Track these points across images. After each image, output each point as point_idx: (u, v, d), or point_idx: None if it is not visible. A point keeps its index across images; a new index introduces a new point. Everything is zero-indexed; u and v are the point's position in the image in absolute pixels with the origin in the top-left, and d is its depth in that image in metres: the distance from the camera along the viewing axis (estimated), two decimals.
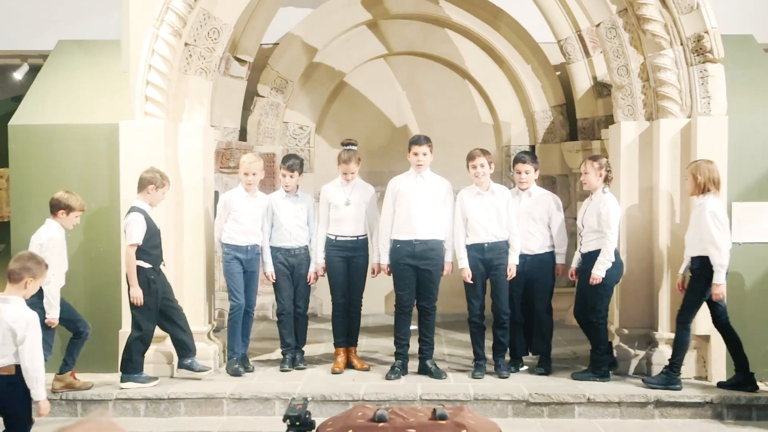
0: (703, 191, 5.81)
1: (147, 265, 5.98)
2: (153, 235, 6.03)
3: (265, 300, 8.18)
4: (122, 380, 5.93)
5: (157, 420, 5.73)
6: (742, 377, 5.89)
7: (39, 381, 4.30)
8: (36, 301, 5.14)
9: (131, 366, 5.93)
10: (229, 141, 8.11)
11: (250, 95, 8.61)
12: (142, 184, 6.00)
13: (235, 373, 6.33)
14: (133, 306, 5.93)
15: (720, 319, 5.90)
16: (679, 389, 5.88)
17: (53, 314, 5.62)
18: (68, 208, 5.81)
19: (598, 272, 6.03)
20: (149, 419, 5.67)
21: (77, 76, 6.88)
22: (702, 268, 5.81)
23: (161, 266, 6.11)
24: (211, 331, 6.73)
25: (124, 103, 6.43)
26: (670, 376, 5.96)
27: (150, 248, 6.00)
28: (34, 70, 8.60)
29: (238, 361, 6.47)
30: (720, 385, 6.03)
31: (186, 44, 6.44)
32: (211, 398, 5.92)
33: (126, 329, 6.12)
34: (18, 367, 4.29)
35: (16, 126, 6.52)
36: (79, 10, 8.80)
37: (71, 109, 6.59)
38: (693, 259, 5.92)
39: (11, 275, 4.48)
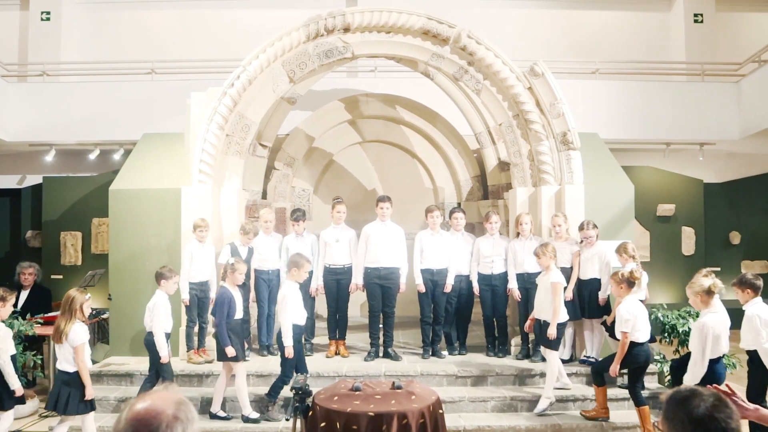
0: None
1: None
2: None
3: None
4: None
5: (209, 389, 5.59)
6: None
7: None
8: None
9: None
10: (255, 199, 8.09)
11: (269, 168, 8.59)
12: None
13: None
14: None
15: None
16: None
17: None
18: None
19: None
20: (207, 388, 5.51)
21: (155, 156, 6.90)
22: None
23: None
24: None
25: (185, 175, 6.47)
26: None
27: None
28: (126, 153, 8.72)
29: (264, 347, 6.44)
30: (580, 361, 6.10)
31: (227, 135, 6.51)
32: None
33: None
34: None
35: (114, 190, 6.55)
36: (157, 113, 8.82)
37: (150, 179, 6.60)
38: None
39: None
